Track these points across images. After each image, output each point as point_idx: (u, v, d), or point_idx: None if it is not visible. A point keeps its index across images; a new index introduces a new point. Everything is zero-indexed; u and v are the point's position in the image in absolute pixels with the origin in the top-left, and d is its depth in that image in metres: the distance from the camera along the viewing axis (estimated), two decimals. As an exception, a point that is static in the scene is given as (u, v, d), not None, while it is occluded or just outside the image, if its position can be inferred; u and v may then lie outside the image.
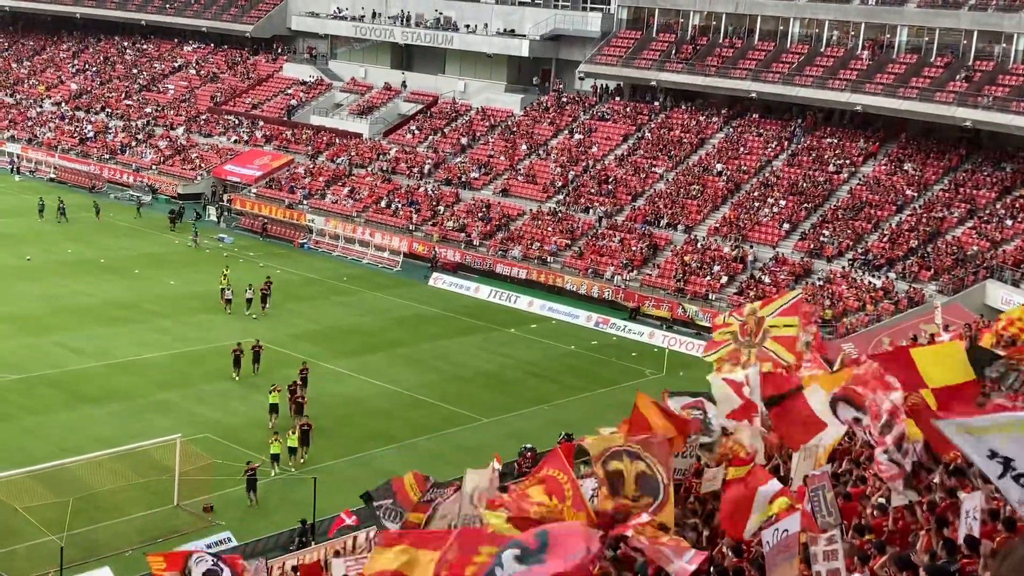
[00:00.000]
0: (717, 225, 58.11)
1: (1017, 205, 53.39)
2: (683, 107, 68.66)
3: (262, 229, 66.62)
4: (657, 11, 70.44)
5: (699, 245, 56.91)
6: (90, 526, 28.04)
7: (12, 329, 44.55)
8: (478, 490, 18.40)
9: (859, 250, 53.74)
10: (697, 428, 14.07)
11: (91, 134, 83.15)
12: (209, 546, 27.62)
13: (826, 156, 60.97)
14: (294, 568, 21.67)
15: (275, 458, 32.68)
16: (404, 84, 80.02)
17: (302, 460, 33.41)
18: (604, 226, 60.32)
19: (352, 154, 73.26)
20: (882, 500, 12.54)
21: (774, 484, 11.68)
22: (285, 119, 79.76)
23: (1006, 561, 3.35)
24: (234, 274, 51.65)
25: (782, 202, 58.50)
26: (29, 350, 42.05)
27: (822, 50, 63.79)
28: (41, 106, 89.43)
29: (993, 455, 7.15)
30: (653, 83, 68.52)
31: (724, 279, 54.08)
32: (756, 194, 59.86)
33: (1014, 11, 56.90)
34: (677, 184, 62.13)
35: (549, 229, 61.05)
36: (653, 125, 68.14)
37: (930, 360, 12.98)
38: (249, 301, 48.44)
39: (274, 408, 35.56)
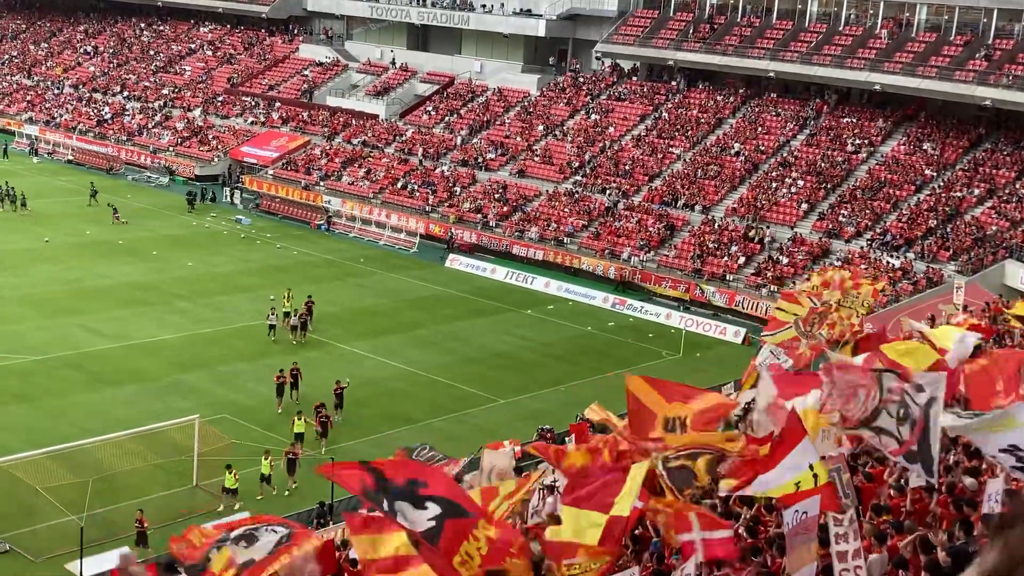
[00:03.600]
0: (735, 205, 57.92)
1: (1037, 185, 53.06)
2: (700, 87, 68.36)
3: (327, 223, 64.77)
4: (674, -10, 70.16)
5: (716, 226, 56.75)
6: (110, 506, 28.24)
7: (32, 311, 44.81)
8: (496, 469, 18.48)
9: (878, 230, 53.50)
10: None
11: (108, 116, 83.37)
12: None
13: (844, 136, 60.66)
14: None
15: (299, 436, 32.45)
16: (393, 62, 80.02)
17: (288, 490, 30.76)
18: (621, 207, 60.20)
19: (368, 135, 73.27)
20: (901, 481, 12.52)
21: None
22: (302, 100, 79.76)
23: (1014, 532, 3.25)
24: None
25: (800, 182, 58.26)
26: (49, 332, 42.29)
27: (840, 29, 63.37)
28: (59, 88, 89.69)
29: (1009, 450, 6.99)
30: (670, 63, 68.21)
31: (742, 259, 53.93)
32: (774, 174, 59.62)
33: (1035, -11, 56.42)
34: (694, 164, 61.93)
35: (566, 210, 60.97)
36: (670, 105, 67.88)
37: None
38: (294, 329, 43.34)
39: (299, 437, 32.53)
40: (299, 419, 32.75)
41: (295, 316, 43.69)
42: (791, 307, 19.82)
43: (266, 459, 30.24)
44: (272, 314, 43.24)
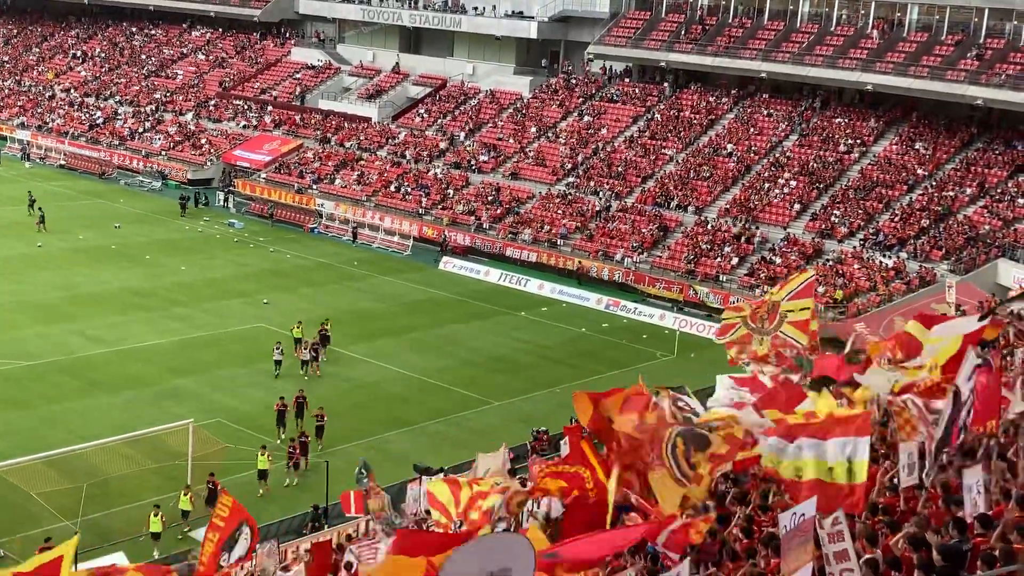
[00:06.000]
0: (727, 206, 57.99)
1: (1029, 183, 53.19)
2: (692, 88, 68.43)
3: (353, 235, 63.32)
4: (666, -9, 70.25)
5: (709, 227, 56.81)
6: (104, 511, 28.19)
7: (26, 316, 44.72)
8: (490, 472, 18.60)
9: (870, 230, 53.60)
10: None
11: (100, 120, 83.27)
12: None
13: (836, 136, 60.75)
14: (307, 551, 21.77)
15: (262, 474, 30.66)
16: (397, 65, 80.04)
17: (187, 528, 28.15)
18: (614, 209, 60.25)
19: (361, 138, 73.25)
20: (894, 480, 12.55)
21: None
22: (294, 104, 79.72)
23: None
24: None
25: (792, 183, 58.35)
26: (43, 337, 42.21)
27: (832, 29, 63.49)
28: (51, 93, 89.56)
29: None
30: (662, 64, 68.27)
31: (735, 260, 54.00)
32: (766, 175, 59.70)
33: (1025, -12, 56.54)
34: (687, 165, 62.00)
35: (559, 212, 61.00)
36: (662, 106, 67.95)
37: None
38: (304, 363, 40.10)
39: (263, 474, 30.71)
40: (262, 455, 30.75)
41: (306, 348, 40.42)
42: (734, 314, 20.44)
43: (185, 495, 28.24)
44: (278, 349, 39.81)
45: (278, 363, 39.61)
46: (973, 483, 10.72)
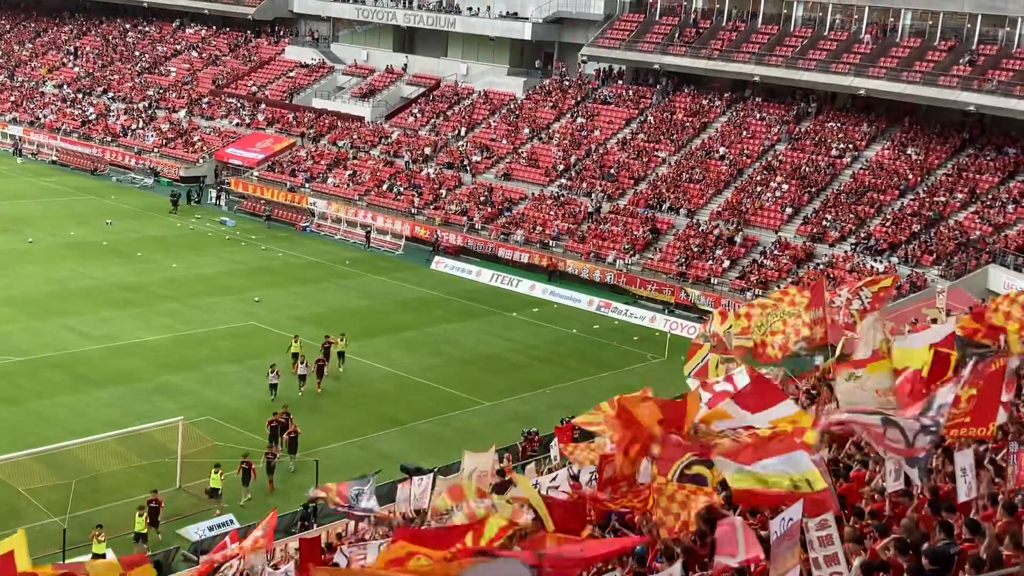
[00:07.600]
0: (719, 209, 58.06)
1: (1020, 190, 53.33)
2: (685, 91, 68.51)
3: (367, 239, 61.88)
4: (660, -6, 70.30)
5: (701, 229, 56.88)
6: (93, 508, 28.13)
7: (16, 312, 44.59)
8: (477, 471, 18.59)
9: (861, 234, 53.71)
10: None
11: (93, 117, 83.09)
12: (211, 528, 27.79)
13: (829, 140, 60.86)
14: (297, 549, 21.75)
15: (214, 492, 29.48)
16: (405, 67, 79.98)
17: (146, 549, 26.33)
18: (606, 210, 60.30)
19: (354, 137, 73.20)
20: (883, 484, 12.59)
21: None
22: (287, 102, 79.61)
23: None
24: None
25: (784, 186, 58.44)
26: (34, 333, 42.09)
27: (825, 34, 63.60)
28: (43, 88, 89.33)
29: None
30: (656, 66, 68.32)
31: (726, 263, 54.08)
32: (759, 178, 59.79)
33: (1018, -5, 56.72)
34: (679, 168, 62.06)
35: (551, 213, 61.03)
36: (655, 109, 68.01)
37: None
38: (302, 378, 37.86)
39: (214, 492, 29.31)
40: (215, 472, 29.22)
41: (305, 364, 38.08)
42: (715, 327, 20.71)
43: (140, 516, 26.90)
44: (272, 372, 37.08)
45: (273, 387, 36.96)
46: (966, 465, 10.83)
